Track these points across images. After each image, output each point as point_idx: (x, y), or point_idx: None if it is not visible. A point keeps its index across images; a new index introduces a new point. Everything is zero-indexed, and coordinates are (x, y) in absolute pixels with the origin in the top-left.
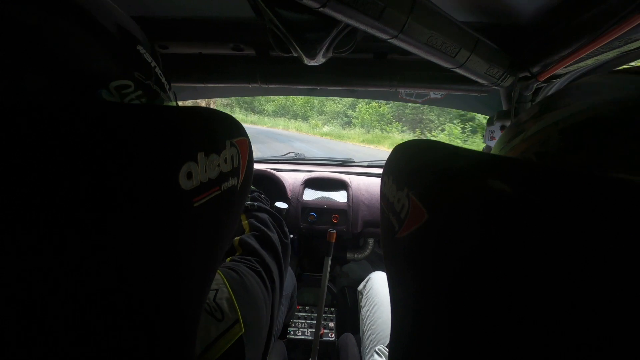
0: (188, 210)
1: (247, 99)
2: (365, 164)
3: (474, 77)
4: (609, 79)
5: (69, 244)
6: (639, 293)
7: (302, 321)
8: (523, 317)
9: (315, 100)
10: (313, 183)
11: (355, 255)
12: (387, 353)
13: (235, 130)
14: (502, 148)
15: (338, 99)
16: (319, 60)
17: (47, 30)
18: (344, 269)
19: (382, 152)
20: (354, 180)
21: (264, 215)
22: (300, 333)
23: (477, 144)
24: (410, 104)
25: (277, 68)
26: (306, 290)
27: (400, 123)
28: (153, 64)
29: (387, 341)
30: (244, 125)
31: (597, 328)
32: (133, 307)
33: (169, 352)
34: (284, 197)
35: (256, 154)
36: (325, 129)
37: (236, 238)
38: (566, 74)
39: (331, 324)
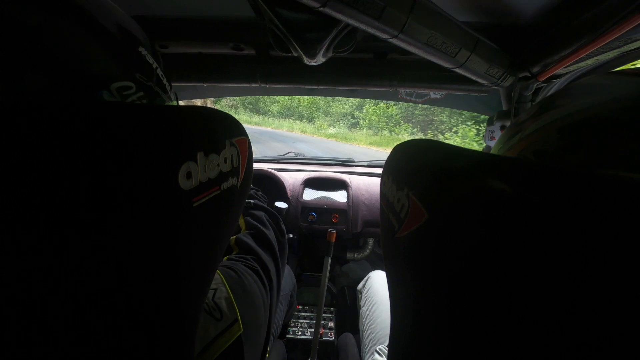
0: (187, 210)
1: (252, 100)
2: (365, 163)
3: (474, 77)
4: (607, 80)
5: (69, 244)
6: (638, 293)
7: (302, 321)
8: (523, 317)
9: (321, 101)
10: (313, 183)
11: (355, 255)
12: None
13: (235, 129)
14: (501, 147)
15: (344, 99)
16: (319, 60)
17: (48, 31)
18: (343, 269)
19: None
20: (353, 180)
21: (261, 213)
22: (299, 333)
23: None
24: (420, 105)
25: (277, 68)
26: (306, 290)
27: (410, 124)
28: (154, 65)
29: (387, 340)
30: (248, 126)
31: (597, 328)
32: (133, 307)
33: (169, 352)
34: (283, 197)
35: (256, 155)
36: (331, 130)
37: (232, 237)
38: (566, 74)
39: (331, 324)
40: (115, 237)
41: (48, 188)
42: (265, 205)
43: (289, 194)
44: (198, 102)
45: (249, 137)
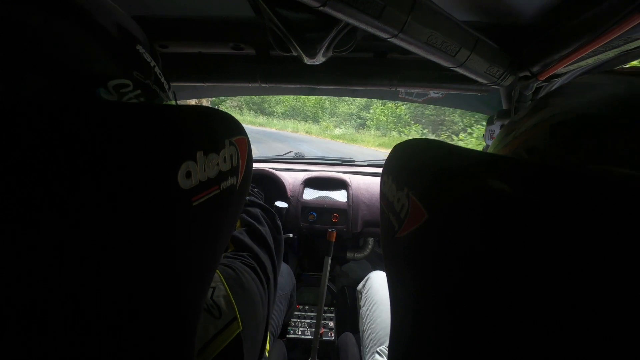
0: (187, 209)
1: (257, 100)
2: (365, 163)
3: (474, 77)
4: (599, 79)
5: (69, 243)
6: (638, 293)
7: (302, 320)
8: (523, 317)
9: (327, 102)
10: (313, 182)
11: (355, 255)
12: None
13: (234, 129)
14: (497, 145)
15: (350, 99)
16: (319, 59)
17: (47, 31)
18: (343, 269)
19: None
20: (354, 180)
21: (256, 210)
22: (300, 332)
23: None
24: (430, 104)
25: (277, 67)
26: (306, 290)
27: (420, 125)
28: (152, 63)
29: (387, 341)
30: (252, 127)
31: (597, 328)
32: (132, 306)
33: (169, 351)
34: (284, 197)
35: (258, 155)
36: (338, 131)
37: None
38: (566, 73)
39: (331, 324)
40: (114, 236)
41: (48, 188)
42: (261, 202)
43: (289, 193)
44: (192, 102)
45: (255, 139)
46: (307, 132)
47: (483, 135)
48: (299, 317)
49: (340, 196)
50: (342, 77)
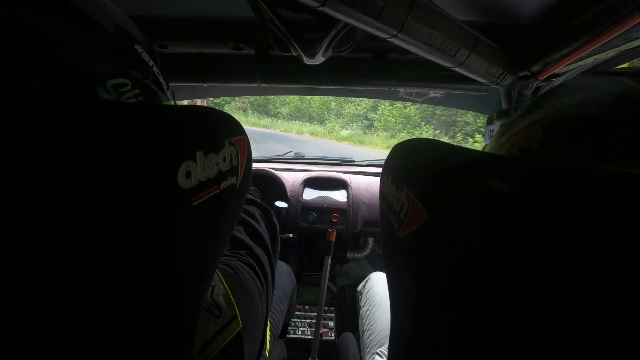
0: (187, 209)
1: (262, 102)
2: (365, 163)
3: (473, 76)
4: (591, 79)
5: (69, 243)
6: (638, 293)
7: (302, 320)
8: (523, 317)
9: (333, 102)
10: (313, 182)
11: (355, 255)
12: None
13: (234, 129)
14: (493, 145)
15: (357, 100)
16: (319, 59)
17: (46, 31)
18: (343, 269)
19: None
20: (353, 180)
21: (252, 208)
22: (300, 332)
23: None
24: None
25: (276, 67)
26: (306, 290)
27: (432, 126)
28: (150, 63)
29: (387, 342)
30: (256, 129)
31: (597, 328)
32: (132, 306)
33: (169, 351)
34: (283, 197)
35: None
36: (344, 132)
37: None
38: (566, 72)
39: (331, 323)
40: (114, 236)
41: (48, 188)
42: (258, 200)
43: (288, 193)
44: (185, 102)
45: (256, 140)
46: (312, 134)
47: (484, 133)
48: (299, 317)
49: (340, 196)
50: (342, 77)
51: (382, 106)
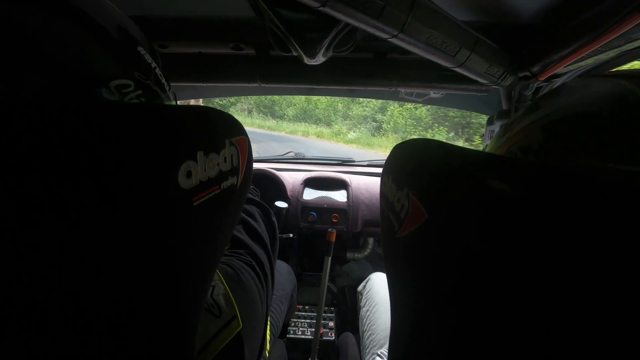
0: (187, 209)
1: (267, 103)
2: (365, 163)
3: (474, 77)
4: (587, 81)
5: (69, 243)
6: (638, 293)
7: (302, 320)
8: (522, 316)
9: (340, 104)
10: (313, 182)
11: (355, 255)
12: None
13: (234, 129)
14: (493, 146)
15: (365, 101)
16: (319, 59)
17: (47, 32)
18: (344, 269)
19: None
20: (353, 180)
21: (252, 207)
22: (300, 332)
23: None
24: None
25: (277, 67)
26: (306, 290)
27: (445, 128)
28: (153, 64)
29: (387, 342)
30: (261, 130)
31: (596, 328)
32: (132, 306)
33: (169, 351)
34: (284, 197)
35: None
36: (351, 135)
37: None
38: (566, 73)
39: (331, 324)
40: (114, 236)
41: (48, 188)
42: (257, 199)
43: (289, 193)
44: (179, 103)
45: (262, 141)
46: (318, 136)
47: (484, 133)
48: (299, 317)
49: (340, 196)
50: (342, 77)
51: (392, 107)
